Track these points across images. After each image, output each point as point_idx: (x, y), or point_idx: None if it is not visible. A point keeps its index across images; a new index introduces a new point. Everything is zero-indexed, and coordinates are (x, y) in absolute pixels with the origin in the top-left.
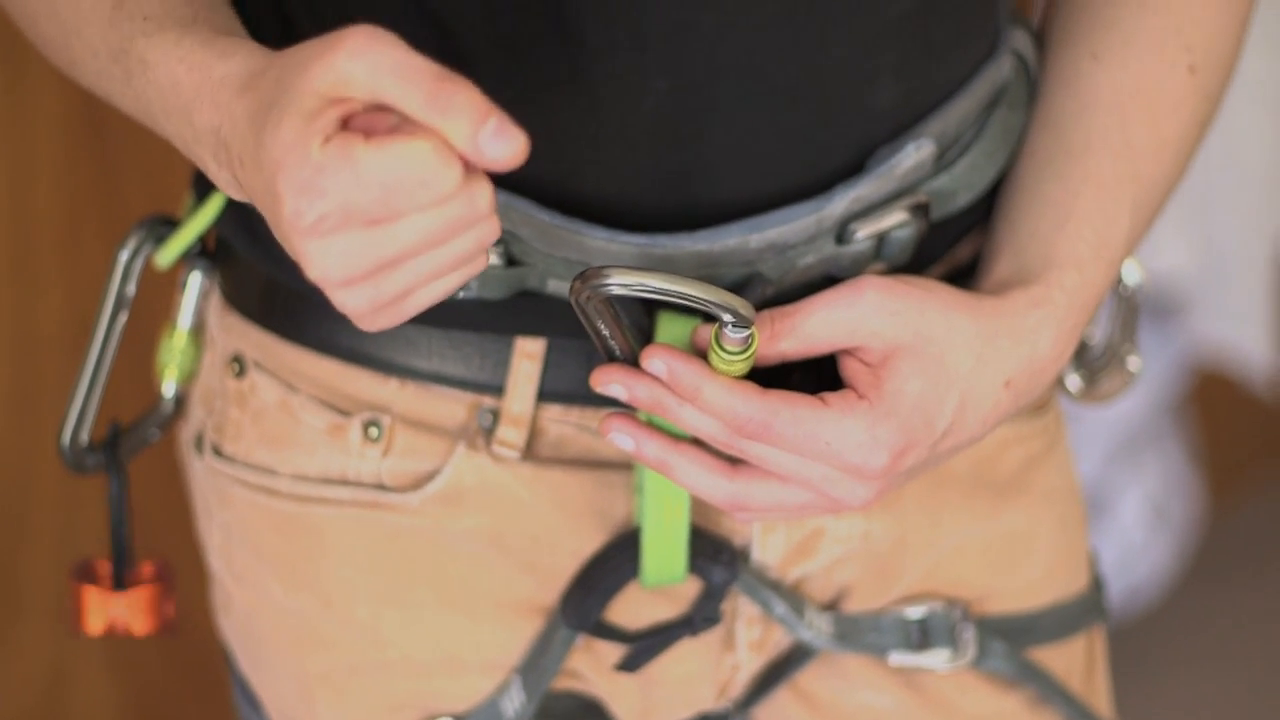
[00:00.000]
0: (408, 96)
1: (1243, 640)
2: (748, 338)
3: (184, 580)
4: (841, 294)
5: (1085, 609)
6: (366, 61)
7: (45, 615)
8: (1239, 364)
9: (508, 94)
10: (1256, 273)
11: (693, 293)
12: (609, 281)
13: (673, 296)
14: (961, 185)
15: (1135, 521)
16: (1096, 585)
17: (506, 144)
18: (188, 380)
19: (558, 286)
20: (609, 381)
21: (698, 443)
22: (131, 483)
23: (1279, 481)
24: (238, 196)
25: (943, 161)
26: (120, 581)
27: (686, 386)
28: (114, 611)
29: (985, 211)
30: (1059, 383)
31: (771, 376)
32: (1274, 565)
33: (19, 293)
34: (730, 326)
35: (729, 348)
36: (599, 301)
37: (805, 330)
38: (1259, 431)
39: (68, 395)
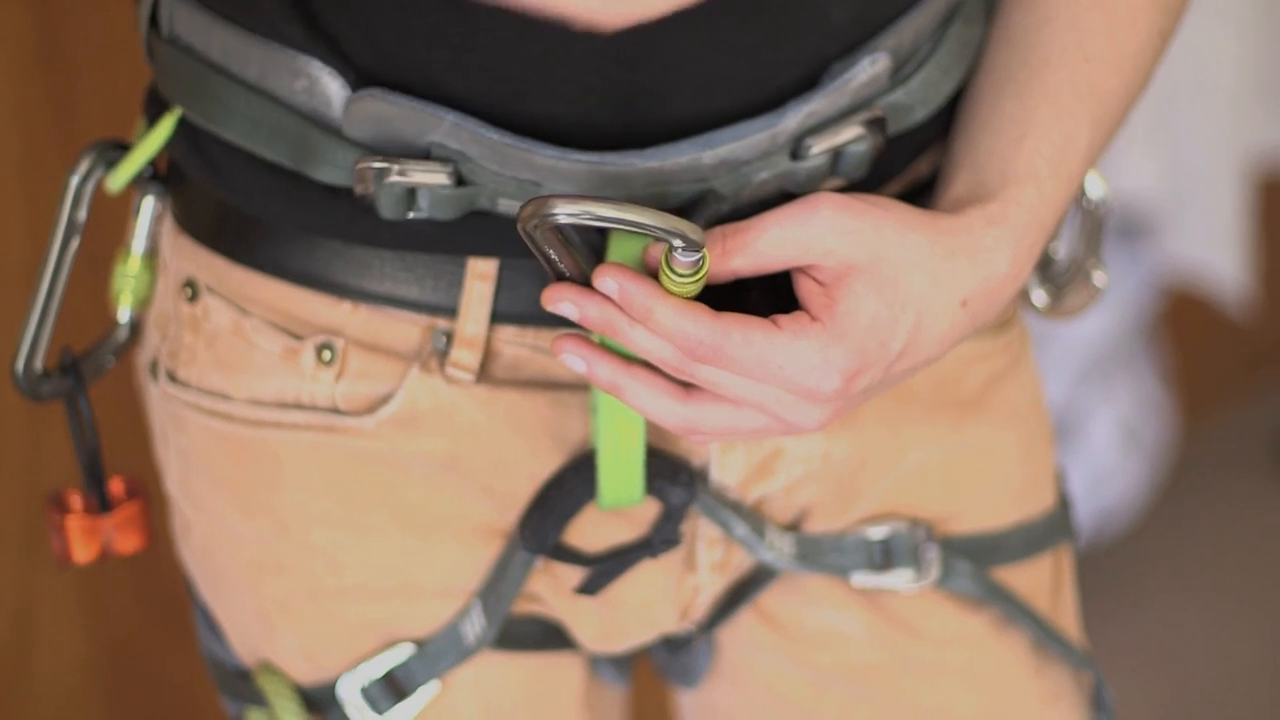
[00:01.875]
0: None
1: (1215, 562)
2: (698, 260)
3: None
4: (795, 211)
5: (1051, 528)
6: None
7: (10, 552)
8: (1210, 284)
9: (454, 15)
10: (1226, 192)
11: (640, 219)
12: (555, 210)
13: (618, 223)
14: (918, 100)
15: (1107, 444)
16: (1063, 504)
17: None
18: (142, 305)
19: (509, 206)
20: (559, 300)
21: (651, 366)
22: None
23: (1250, 403)
24: None
25: (898, 76)
26: (105, 503)
27: (638, 307)
28: (103, 535)
29: (943, 127)
30: (1024, 298)
31: (728, 294)
32: (1246, 486)
33: None
34: (680, 250)
35: (679, 270)
36: (546, 229)
37: (758, 247)
38: (1230, 352)
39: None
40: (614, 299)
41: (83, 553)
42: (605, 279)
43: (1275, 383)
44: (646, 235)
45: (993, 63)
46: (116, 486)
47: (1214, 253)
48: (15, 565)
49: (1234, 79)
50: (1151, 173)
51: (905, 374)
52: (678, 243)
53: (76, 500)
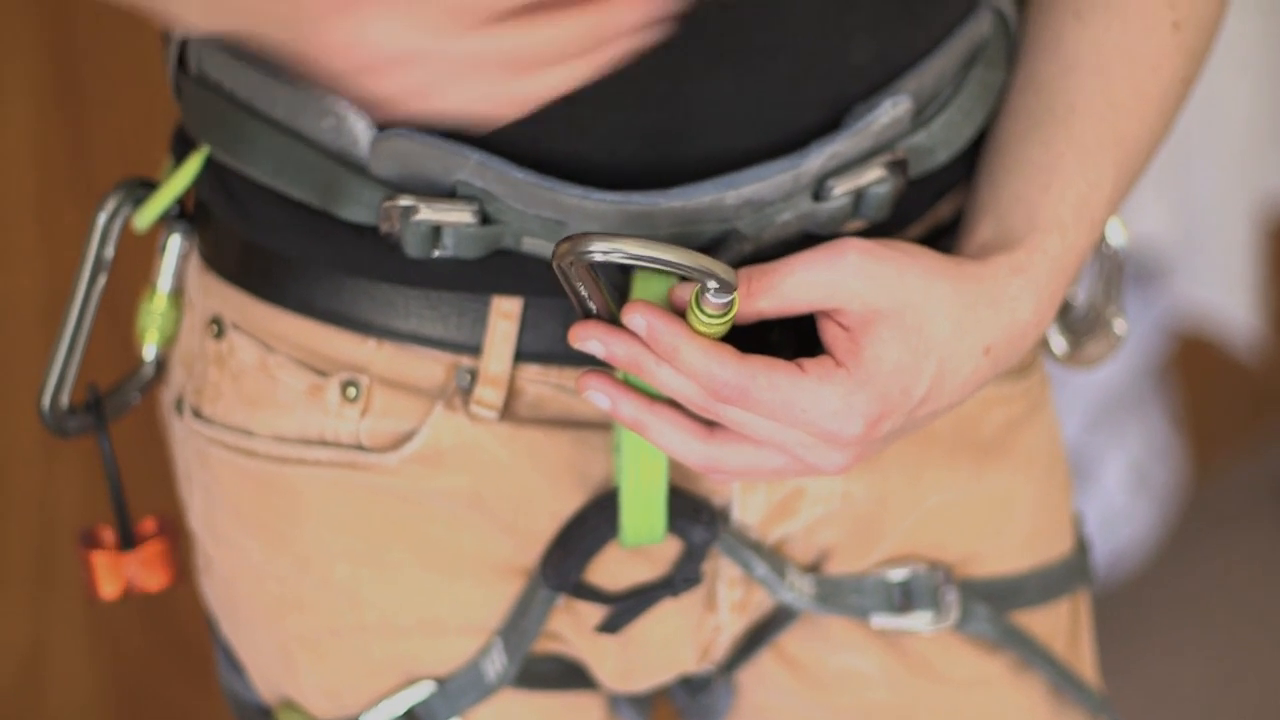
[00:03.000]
0: None
1: (1224, 605)
2: (729, 302)
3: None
4: (821, 254)
5: (1070, 572)
6: None
7: (24, 585)
8: (1221, 328)
9: None
10: (1238, 236)
11: (676, 259)
12: (591, 248)
13: (655, 263)
14: (939, 142)
15: (1117, 486)
16: (1081, 549)
17: None
18: (168, 343)
19: (533, 245)
20: (587, 337)
21: (674, 403)
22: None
23: (1261, 446)
24: None
25: (920, 118)
26: (129, 540)
27: (665, 346)
28: (128, 571)
29: (965, 169)
30: (1044, 345)
31: (750, 333)
32: (1255, 530)
33: None
34: (712, 291)
35: (709, 311)
36: (581, 267)
37: (783, 290)
38: (1241, 396)
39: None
40: (641, 336)
41: (108, 589)
42: (634, 316)
43: None
44: (679, 275)
45: (1017, 108)
46: (149, 524)
47: (1225, 296)
48: (27, 601)
49: (1246, 123)
50: (1163, 216)
51: (927, 419)
52: (711, 284)
53: (108, 536)
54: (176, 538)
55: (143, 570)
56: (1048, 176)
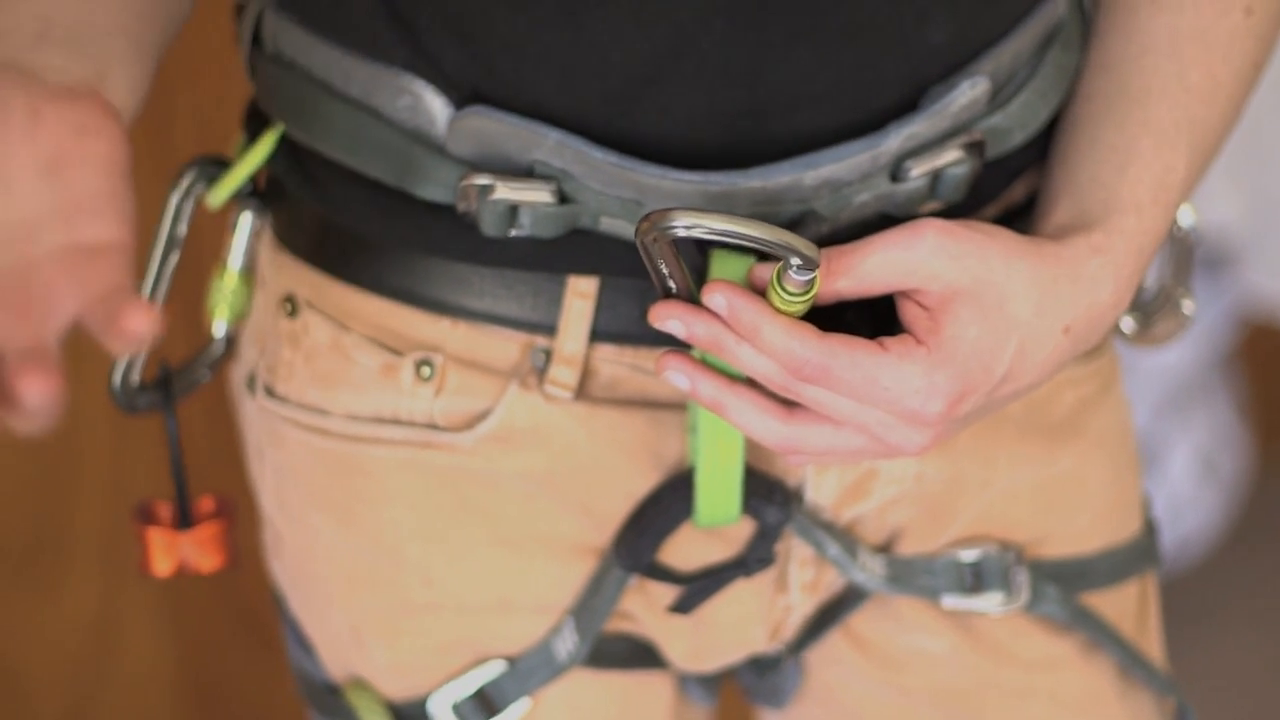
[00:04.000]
0: None
1: None
2: (810, 280)
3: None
4: (901, 235)
5: (1138, 554)
6: None
7: (95, 563)
8: None
9: (566, 34)
10: None
11: (759, 235)
12: (676, 223)
13: (739, 239)
14: (1016, 124)
15: (1184, 475)
16: (1149, 530)
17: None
18: (238, 320)
19: (611, 225)
20: (668, 317)
21: (752, 383)
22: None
23: None
24: None
25: (997, 100)
26: (186, 520)
27: (746, 324)
28: (182, 551)
29: (1040, 151)
30: (1113, 325)
31: (825, 315)
32: None
33: None
34: (795, 269)
35: (790, 289)
36: (664, 242)
37: (863, 270)
38: None
39: None
40: (722, 316)
41: (161, 565)
42: (715, 295)
43: None
44: (760, 252)
45: (1091, 90)
46: (205, 504)
47: None
48: (98, 577)
49: None
50: (1234, 205)
51: (1007, 399)
52: (795, 260)
53: (164, 512)
54: (233, 520)
55: (197, 551)
56: (1124, 158)
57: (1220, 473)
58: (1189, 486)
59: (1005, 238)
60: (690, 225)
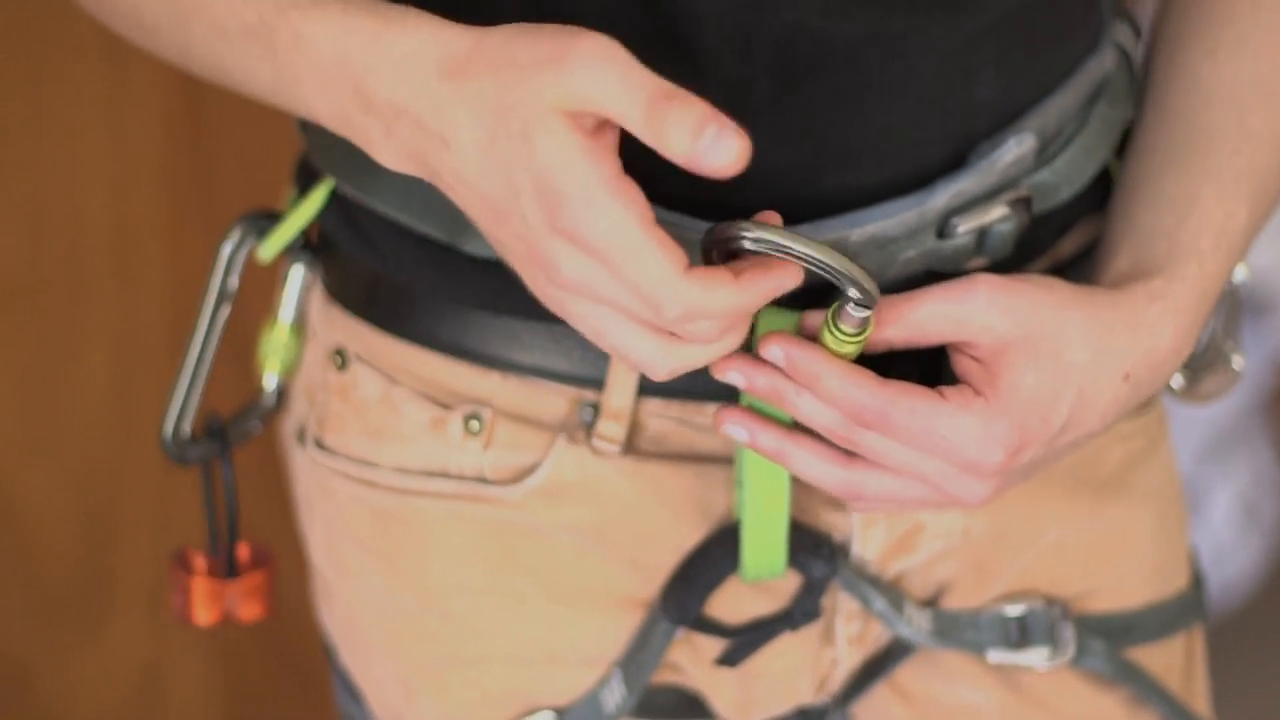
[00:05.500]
0: (630, 114)
1: None
2: (866, 319)
3: (281, 571)
4: (954, 288)
5: (1185, 608)
6: (595, 76)
7: (140, 608)
8: None
9: None
10: None
11: (825, 258)
12: (745, 234)
13: (804, 258)
14: (1063, 179)
15: (1225, 521)
16: (1196, 584)
17: (722, 152)
18: (289, 373)
19: None
20: (728, 368)
21: (811, 433)
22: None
23: None
24: (408, 170)
25: (1044, 156)
26: (232, 569)
27: (805, 373)
28: (226, 600)
29: (1088, 206)
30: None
31: (872, 366)
32: None
33: (121, 287)
34: (852, 305)
35: (846, 328)
36: (724, 257)
37: (914, 319)
38: None
39: (166, 390)
40: (780, 367)
41: (204, 615)
42: (771, 347)
43: None
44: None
45: (1151, 143)
46: (243, 552)
47: None
48: (144, 623)
49: None
50: (1275, 250)
51: (1069, 449)
52: (853, 293)
53: (200, 561)
54: (273, 569)
55: (242, 600)
56: (1185, 208)
57: (1262, 519)
58: (1231, 533)
59: (1059, 288)
60: (758, 238)
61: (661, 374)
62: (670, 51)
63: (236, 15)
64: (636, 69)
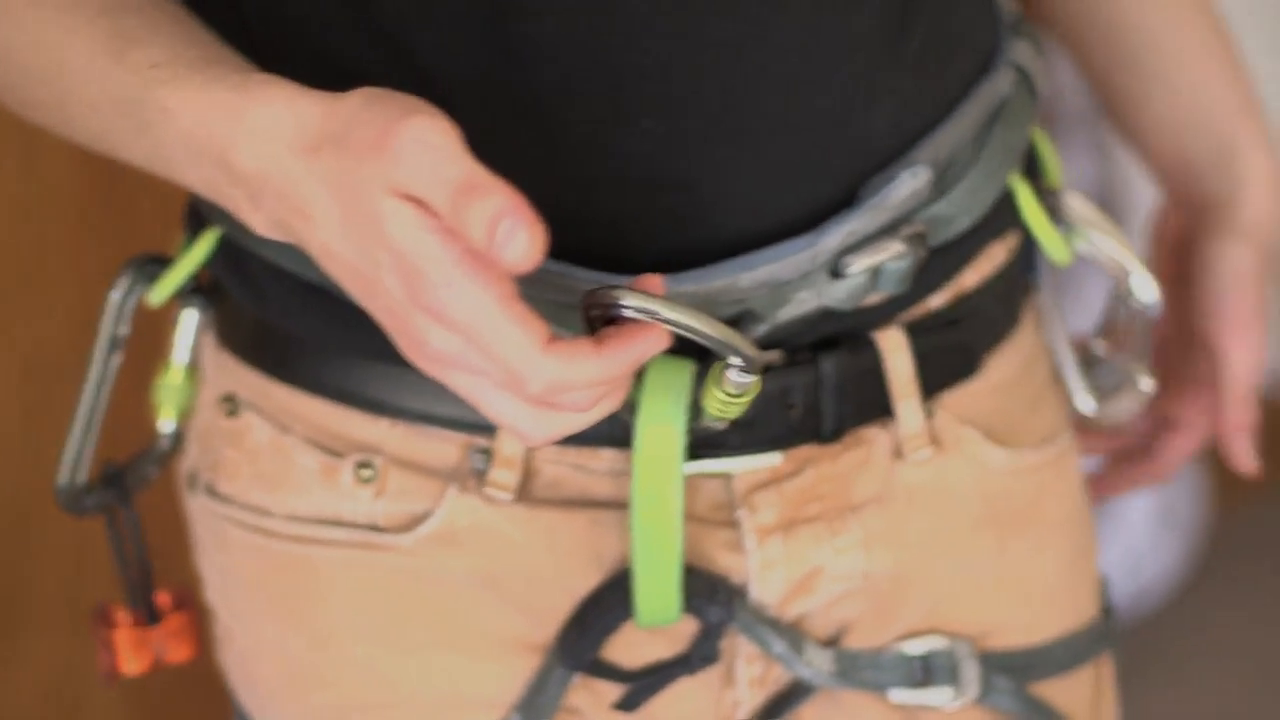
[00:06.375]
0: (440, 205)
1: (1251, 642)
2: (750, 384)
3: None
4: None
5: (1093, 639)
6: (411, 163)
7: (53, 628)
8: None
9: (494, 141)
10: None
11: (706, 330)
12: (625, 302)
13: (685, 330)
14: (961, 209)
15: (1142, 523)
16: (1105, 614)
17: (514, 247)
18: (185, 417)
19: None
20: None
21: None
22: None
23: None
24: (280, 238)
25: (940, 186)
26: (153, 615)
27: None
28: (154, 646)
29: (990, 233)
30: (1070, 406)
31: None
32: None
33: (31, 312)
34: (735, 370)
35: (728, 389)
36: (602, 323)
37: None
38: (1266, 433)
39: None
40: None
41: (133, 665)
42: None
43: None
44: (705, 345)
45: (1119, 64)
46: (163, 599)
47: None
48: (58, 641)
49: None
50: None
51: None
52: (736, 361)
53: (122, 615)
54: (195, 609)
55: (170, 643)
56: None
57: (1179, 521)
58: (1148, 534)
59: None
60: (639, 308)
61: (537, 441)
62: (545, 96)
63: (108, 92)
64: (449, 156)
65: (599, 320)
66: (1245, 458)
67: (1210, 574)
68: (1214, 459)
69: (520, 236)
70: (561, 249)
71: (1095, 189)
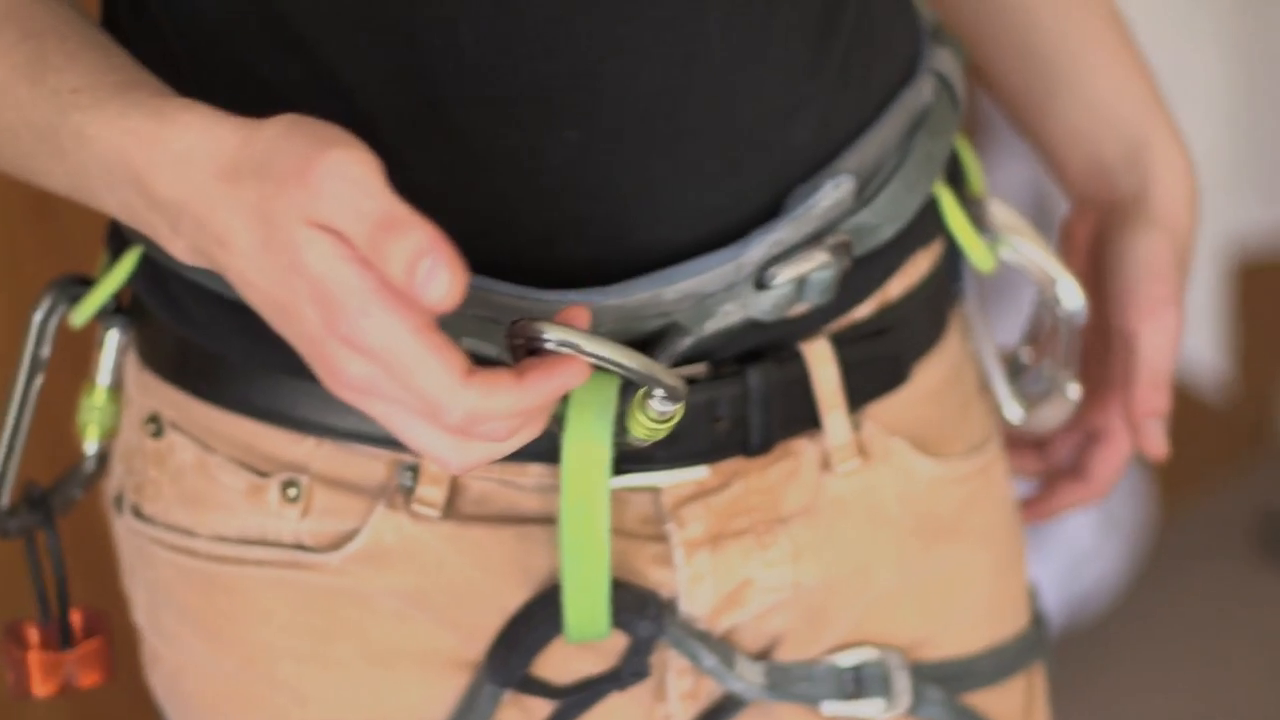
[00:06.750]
0: (358, 240)
1: (1193, 646)
2: (674, 411)
3: (125, 621)
4: None
5: (1024, 649)
6: (330, 196)
7: None
8: (1187, 368)
9: (413, 152)
10: (1203, 277)
11: (626, 363)
12: (544, 335)
13: (607, 363)
14: (885, 218)
15: (1085, 526)
16: (1036, 623)
17: (435, 286)
18: (109, 437)
19: (470, 344)
20: None
21: None
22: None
23: (1228, 485)
24: (199, 264)
25: (864, 195)
26: (68, 639)
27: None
28: (64, 671)
29: (915, 242)
30: (998, 415)
31: None
32: (1223, 569)
33: None
34: (658, 398)
35: (651, 415)
36: (525, 353)
37: None
38: (1208, 436)
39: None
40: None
41: (43, 688)
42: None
43: (1253, 467)
44: (628, 377)
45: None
46: (77, 620)
47: (1191, 337)
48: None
49: (1208, 164)
50: None
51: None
52: (659, 392)
53: (33, 634)
54: (109, 633)
55: (80, 668)
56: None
57: (1121, 524)
58: (1089, 539)
59: None
60: (561, 341)
61: (457, 469)
62: (465, 105)
63: (25, 119)
64: (368, 190)
65: (521, 350)
66: (1155, 443)
67: (1153, 576)
68: (1155, 463)
69: (441, 276)
70: (485, 261)
71: (1029, 196)
